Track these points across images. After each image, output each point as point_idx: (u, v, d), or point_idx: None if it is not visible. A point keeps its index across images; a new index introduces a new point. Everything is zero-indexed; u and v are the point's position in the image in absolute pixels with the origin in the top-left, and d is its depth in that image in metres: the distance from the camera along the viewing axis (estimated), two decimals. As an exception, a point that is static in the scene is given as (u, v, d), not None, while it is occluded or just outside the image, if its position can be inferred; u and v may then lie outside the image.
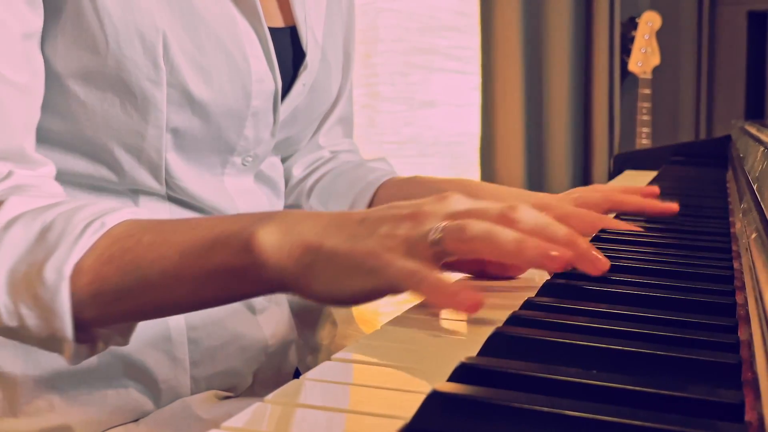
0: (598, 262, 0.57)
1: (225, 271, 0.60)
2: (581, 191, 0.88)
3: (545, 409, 0.32)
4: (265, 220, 0.59)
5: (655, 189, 0.88)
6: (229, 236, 0.60)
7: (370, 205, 1.01)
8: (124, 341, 0.69)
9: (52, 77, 0.74)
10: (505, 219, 0.57)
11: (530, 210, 0.58)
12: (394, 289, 0.55)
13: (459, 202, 0.58)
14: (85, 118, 0.76)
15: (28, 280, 0.62)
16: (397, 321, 0.55)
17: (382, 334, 0.52)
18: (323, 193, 1.03)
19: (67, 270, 0.62)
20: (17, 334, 0.64)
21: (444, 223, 0.55)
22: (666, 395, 0.35)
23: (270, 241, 0.58)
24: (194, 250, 0.61)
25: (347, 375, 0.47)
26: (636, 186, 0.89)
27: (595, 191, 0.87)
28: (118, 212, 0.66)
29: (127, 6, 0.74)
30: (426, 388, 0.36)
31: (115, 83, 0.75)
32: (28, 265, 0.62)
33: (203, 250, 0.61)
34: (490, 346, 0.43)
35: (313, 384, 0.44)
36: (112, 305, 0.63)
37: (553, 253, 0.54)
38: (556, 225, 0.58)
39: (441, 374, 0.39)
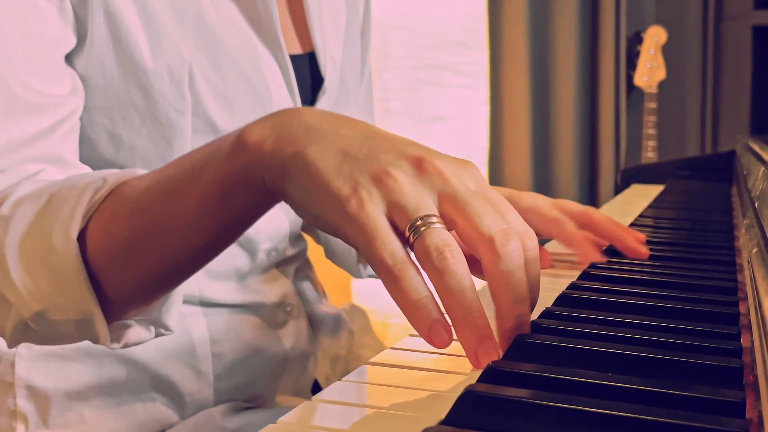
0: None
1: (217, 183, 0.55)
2: (568, 202, 0.82)
3: (569, 406, 0.36)
4: (256, 120, 0.55)
5: (641, 236, 0.79)
6: (216, 148, 0.56)
7: None
8: (166, 326, 0.66)
9: None
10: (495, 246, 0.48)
11: (518, 257, 0.48)
12: (359, 249, 0.48)
13: (471, 180, 0.51)
14: (112, 148, 0.77)
15: (39, 252, 0.60)
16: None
17: (392, 355, 0.51)
18: None
19: (74, 232, 0.59)
20: (48, 321, 0.61)
21: (433, 224, 0.47)
22: (675, 394, 0.39)
23: (254, 134, 0.53)
24: (188, 173, 0.57)
25: (361, 396, 0.46)
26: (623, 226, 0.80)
27: (579, 206, 0.82)
28: (124, 171, 0.63)
29: (155, 39, 0.75)
30: (440, 412, 0.38)
31: (143, 113, 0.76)
32: (36, 236, 0.60)
33: (196, 169, 0.56)
34: (514, 352, 0.46)
35: (324, 406, 0.43)
36: (128, 265, 0.59)
37: (483, 358, 0.45)
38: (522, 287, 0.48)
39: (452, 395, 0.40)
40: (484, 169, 2.44)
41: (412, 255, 0.48)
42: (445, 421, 0.37)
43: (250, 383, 0.90)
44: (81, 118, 0.75)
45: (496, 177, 2.59)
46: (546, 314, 0.54)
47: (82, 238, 0.59)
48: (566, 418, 0.36)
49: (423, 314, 0.46)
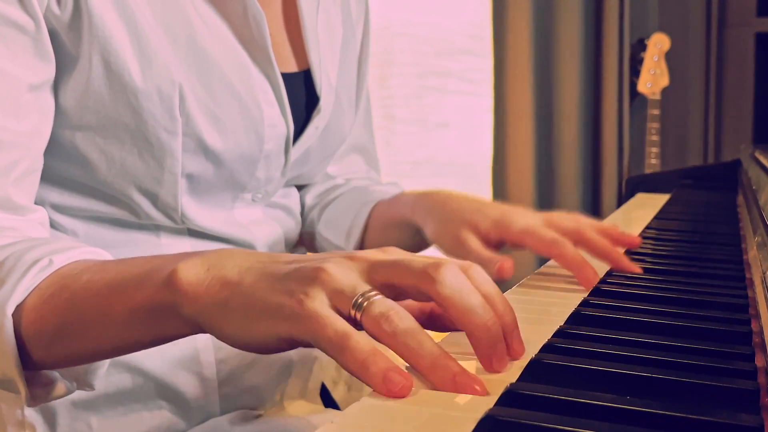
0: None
1: (147, 308, 0.57)
2: (559, 217, 0.82)
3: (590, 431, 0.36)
4: (192, 256, 0.57)
5: (636, 240, 0.84)
6: (154, 272, 0.57)
7: (366, 226, 1.01)
8: (90, 385, 0.67)
9: (71, 128, 0.76)
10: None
11: (453, 277, 0.50)
12: (309, 340, 0.49)
13: (394, 254, 0.54)
14: (104, 165, 0.77)
15: None
16: None
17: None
18: (327, 219, 1.04)
19: (10, 308, 0.61)
20: None
21: (375, 295, 0.49)
22: (693, 419, 0.39)
23: (189, 276, 0.54)
24: (122, 286, 0.59)
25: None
26: (615, 229, 0.83)
27: (571, 220, 0.81)
28: (70, 251, 0.65)
29: (145, 61, 0.75)
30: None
31: (134, 133, 0.76)
32: None
33: (130, 286, 0.58)
34: (529, 373, 0.47)
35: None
36: (54, 345, 0.62)
37: (462, 388, 0.45)
38: (509, 316, 0.51)
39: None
40: (487, 177, 2.44)
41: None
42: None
43: (255, 388, 0.90)
44: (75, 137, 0.76)
45: (500, 184, 2.59)
46: (559, 333, 0.54)
47: (17, 310, 0.61)
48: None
49: (373, 369, 0.46)
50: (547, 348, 0.50)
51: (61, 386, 0.66)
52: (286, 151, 0.88)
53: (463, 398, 0.44)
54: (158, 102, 0.75)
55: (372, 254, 0.53)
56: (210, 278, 0.53)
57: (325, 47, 0.93)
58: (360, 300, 0.49)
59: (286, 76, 0.86)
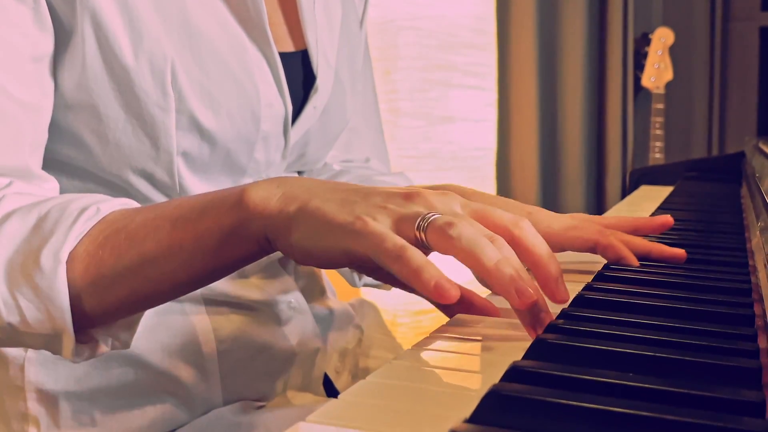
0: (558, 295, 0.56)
1: (216, 231, 0.60)
2: (582, 218, 0.78)
3: (593, 406, 0.37)
4: (260, 181, 0.61)
5: (669, 220, 0.79)
6: (222, 198, 0.61)
7: None
8: (125, 343, 0.69)
9: (64, 107, 0.76)
10: (507, 234, 0.56)
11: (534, 234, 0.56)
12: (370, 257, 0.53)
13: (457, 203, 0.57)
14: (98, 146, 0.77)
15: (25, 269, 0.62)
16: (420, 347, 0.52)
17: (392, 370, 0.47)
18: None
19: (64, 254, 0.62)
20: (17, 332, 0.63)
21: (434, 214, 0.54)
22: (695, 395, 0.40)
23: (260, 192, 0.58)
24: (186, 216, 0.61)
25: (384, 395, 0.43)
26: (646, 219, 0.79)
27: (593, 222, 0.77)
28: (113, 200, 0.67)
29: (136, 36, 0.74)
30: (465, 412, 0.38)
31: (127, 111, 0.76)
32: (24, 254, 0.62)
33: (195, 215, 0.61)
34: (534, 352, 0.47)
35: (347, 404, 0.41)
36: (110, 289, 0.63)
37: (523, 295, 0.51)
38: (551, 259, 0.56)
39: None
40: (491, 170, 2.45)
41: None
42: (471, 420, 0.38)
43: (257, 380, 0.90)
44: (68, 117, 0.76)
45: (504, 178, 2.60)
46: (563, 315, 0.55)
47: (68, 260, 0.63)
48: (590, 418, 0.37)
49: (425, 277, 0.50)
50: (551, 328, 0.51)
51: (101, 345, 0.68)
52: (285, 133, 0.87)
53: (471, 378, 0.44)
54: (150, 78, 0.75)
55: (435, 201, 0.56)
56: (280, 193, 0.58)
57: (323, 27, 0.92)
58: (422, 221, 0.53)
59: (283, 56, 0.86)
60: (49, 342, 0.64)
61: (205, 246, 0.60)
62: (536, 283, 0.54)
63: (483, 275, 0.52)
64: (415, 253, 0.51)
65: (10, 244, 0.63)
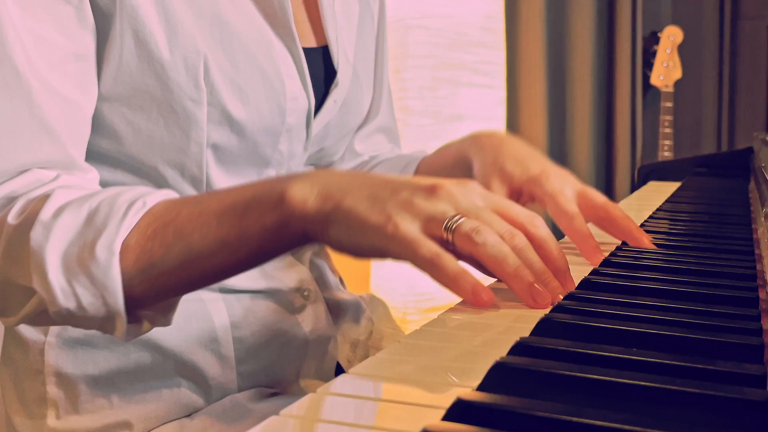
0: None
1: (259, 229, 0.64)
2: (593, 192, 0.84)
3: (597, 377, 0.38)
4: (296, 177, 0.64)
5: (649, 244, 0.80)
6: (263, 195, 0.64)
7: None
8: (167, 321, 0.73)
9: (100, 99, 0.78)
10: (523, 230, 0.62)
11: (546, 232, 0.63)
12: (405, 258, 0.58)
13: (478, 196, 0.62)
14: (131, 137, 0.79)
15: (81, 260, 0.66)
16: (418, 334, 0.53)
17: (404, 347, 0.49)
18: None
19: (117, 246, 0.66)
20: (73, 316, 0.67)
21: (461, 217, 0.59)
22: (697, 368, 0.41)
23: (298, 194, 0.62)
24: (230, 212, 0.65)
25: (368, 389, 0.44)
26: (637, 232, 0.81)
27: (603, 197, 0.84)
28: (157, 193, 0.70)
29: (171, 31, 0.77)
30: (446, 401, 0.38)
31: (160, 104, 0.78)
32: (79, 246, 0.66)
33: (239, 212, 0.65)
34: (539, 330, 0.48)
35: (333, 399, 0.42)
36: (159, 278, 0.67)
37: (539, 301, 0.57)
38: (560, 253, 0.62)
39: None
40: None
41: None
42: (479, 389, 0.39)
43: (272, 367, 0.92)
44: (102, 109, 0.78)
45: (513, 176, 2.59)
46: (569, 296, 0.56)
47: (120, 251, 0.67)
48: (594, 389, 0.38)
49: (462, 283, 0.56)
50: (558, 308, 0.52)
51: (146, 323, 0.71)
52: (308, 125, 0.90)
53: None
54: (184, 72, 0.78)
55: (458, 195, 0.61)
56: (316, 192, 0.62)
57: (342, 24, 0.95)
58: (449, 223, 0.58)
59: (306, 51, 0.88)
60: (103, 324, 0.68)
61: (248, 242, 0.65)
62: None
63: (504, 279, 0.58)
64: (449, 261, 0.56)
65: (65, 237, 0.66)
